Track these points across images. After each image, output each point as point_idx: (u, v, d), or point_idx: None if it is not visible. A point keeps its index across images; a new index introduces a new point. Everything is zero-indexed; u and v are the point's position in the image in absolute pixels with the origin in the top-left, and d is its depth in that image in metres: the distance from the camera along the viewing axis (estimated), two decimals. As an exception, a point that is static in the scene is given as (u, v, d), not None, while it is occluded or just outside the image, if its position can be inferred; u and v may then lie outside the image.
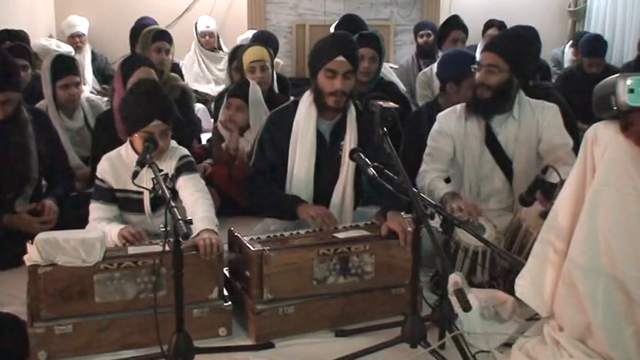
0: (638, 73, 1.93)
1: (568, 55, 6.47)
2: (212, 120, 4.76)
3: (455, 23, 5.27)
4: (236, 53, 4.50)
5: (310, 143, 2.95)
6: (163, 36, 4.63)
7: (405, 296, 2.56)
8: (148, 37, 4.58)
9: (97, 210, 2.78)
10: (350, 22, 4.80)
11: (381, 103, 2.47)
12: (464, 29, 5.17)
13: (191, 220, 2.12)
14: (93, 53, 6.23)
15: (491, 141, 3.13)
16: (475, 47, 5.50)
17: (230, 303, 2.47)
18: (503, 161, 3.14)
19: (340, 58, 2.86)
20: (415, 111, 4.04)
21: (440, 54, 5.30)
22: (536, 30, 4.07)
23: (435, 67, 4.48)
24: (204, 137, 4.69)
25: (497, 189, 3.17)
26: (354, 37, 3.19)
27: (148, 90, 2.77)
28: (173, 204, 2.05)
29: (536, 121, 3.11)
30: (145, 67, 3.53)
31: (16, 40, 4.83)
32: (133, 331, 2.35)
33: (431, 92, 4.73)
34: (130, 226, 2.71)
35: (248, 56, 4.18)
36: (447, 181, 3.18)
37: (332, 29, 6.07)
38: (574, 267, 2.02)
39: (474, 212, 2.75)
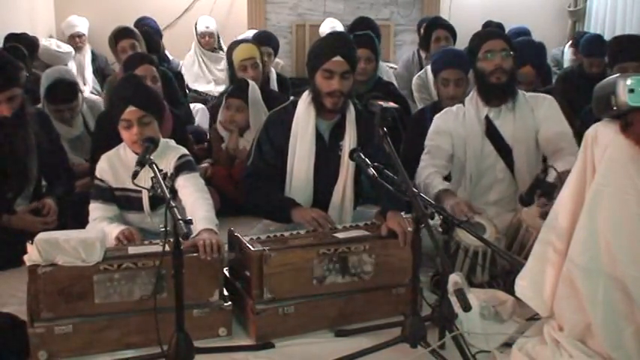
0: (638, 73, 1.93)
1: (568, 55, 6.46)
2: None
3: (437, 23, 5.26)
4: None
5: (309, 143, 2.95)
6: (125, 34, 4.53)
7: (405, 296, 2.56)
8: (112, 41, 4.52)
9: (96, 209, 2.79)
10: (360, 25, 4.79)
11: (381, 103, 2.47)
12: (447, 28, 5.14)
13: (191, 220, 2.11)
14: (93, 53, 6.22)
15: (492, 132, 3.16)
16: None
17: (230, 303, 2.47)
18: (504, 151, 3.17)
19: (337, 58, 2.86)
20: (418, 111, 4.06)
21: (424, 59, 5.32)
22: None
23: (429, 69, 4.49)
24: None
25: (499, 179, 3.20)
26: (351, 37, 3.20)
27: (124, 80, 2.85)
28: (173, 204, 2.05)
29: (530, 109, 3.16)
30: (145, 65, 3.55)
31: (27, 44, 4.89)
32: (132, 331, 2.35)
33: (428, 94, 4.73)
34: (129, 227, 2.71)
35: (238, 55, 4.18)
36: (446, 178, 3.19)
37: (324, 27, 6.09)
38: (574, 267, 2.02)
39: (468, 211, 2.77)
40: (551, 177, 2.83)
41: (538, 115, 3.15)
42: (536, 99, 3.20)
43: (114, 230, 2.66)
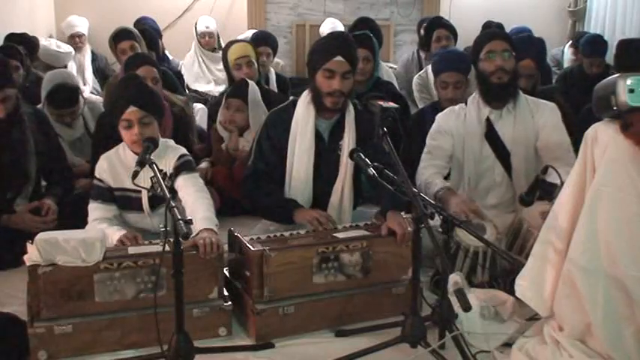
0: (638, 73, 1.93)
1: (568, 55, 6.46)
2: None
3: (438, 22, 5.26)
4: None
5: (309, 142, 2.95)
6: (125, 35, 4.48)
7: (405, 296, 2.56)
8: (112, 42, 4.47)
9: (96, 210, 2.79)
10: (361, 25, 4.79)
11: (381, 103, 2.47)
12: (448, 28, 5.14)
13: (191, 219, 2.11)
14: (93, 53, 6.22)
15: (491, 135, 3.16)
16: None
17: (230, 303, 2.47)
18: (503, 155, 3.16)
19: (338, 58, 2.86)
20: (418, 111, 4.06)
21: (424, 59, 5.32)
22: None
23: (429, 69, 4.49)
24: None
25: (497, 183, 3.19)
26: (352, 37, 3.20)
27: (125, 80, 2.85)
28: (173, 204, 2.05)
29: (531, 115, 3.14)
30: (146, 66, 3.54)
31: (27, 44, 4.90)
32: (132, 331, 2.35)
33: (428, 94, 4.74)
34: (130, 231, 2.71)
35: (233, 54, 4.19)
36: (446, 178, 3.20)
37: (324, 27, 6.09)
38: (574, 267, 2.02)
39: (468, 211, 2.76)
40: (551, 177, 2.83)
41: (538, 121, 3.13)
42: (538, 104, 3.18)
43: (115, 234, 2.65)
